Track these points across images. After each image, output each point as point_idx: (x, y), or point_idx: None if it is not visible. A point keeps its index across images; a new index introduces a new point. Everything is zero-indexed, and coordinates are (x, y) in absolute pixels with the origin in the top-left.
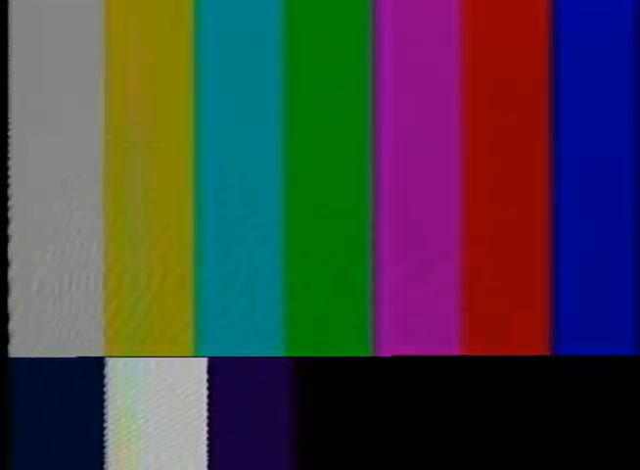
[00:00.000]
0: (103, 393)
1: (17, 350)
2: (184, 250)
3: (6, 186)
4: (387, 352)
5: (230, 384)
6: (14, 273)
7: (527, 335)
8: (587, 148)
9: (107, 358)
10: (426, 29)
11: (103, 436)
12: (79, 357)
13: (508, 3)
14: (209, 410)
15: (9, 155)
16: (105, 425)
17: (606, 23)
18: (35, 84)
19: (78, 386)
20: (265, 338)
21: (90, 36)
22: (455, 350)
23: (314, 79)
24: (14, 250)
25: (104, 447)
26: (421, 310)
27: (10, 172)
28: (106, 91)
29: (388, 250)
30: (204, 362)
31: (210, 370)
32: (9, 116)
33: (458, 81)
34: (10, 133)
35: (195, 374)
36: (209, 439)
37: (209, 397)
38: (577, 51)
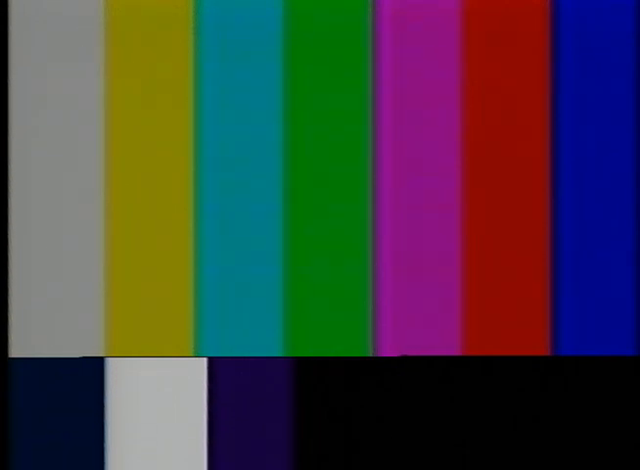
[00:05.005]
0: (103, 393)
1: (17, 350)
2: (184, 250)
3: (6, 187)
4: (387, 352)
5: (230, 384)
6: (14, 273)
7: (527, 335)
8: (587, 146)
9: (107, 358)
10: (425, 37)
11: (103, 436)
12: (79, 357)
13: (508, 6)
14: (209, 410)
15: (9, 158)
16: (105, 425)
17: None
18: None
19: (78, 386)
20: (265, 338)
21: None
22: (455, 350)
23: (315, 91)
24: (14, 250)
25: (104, 448)
26: (421, 311)
27: (10, 175)
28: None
29: (389, 250)
30: (204, 362)
31: (210, 370)
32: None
33: (458, 93)
34: (9, 134)
35: (195, 374)
36: (209, 438)
37: (209, 397)
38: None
